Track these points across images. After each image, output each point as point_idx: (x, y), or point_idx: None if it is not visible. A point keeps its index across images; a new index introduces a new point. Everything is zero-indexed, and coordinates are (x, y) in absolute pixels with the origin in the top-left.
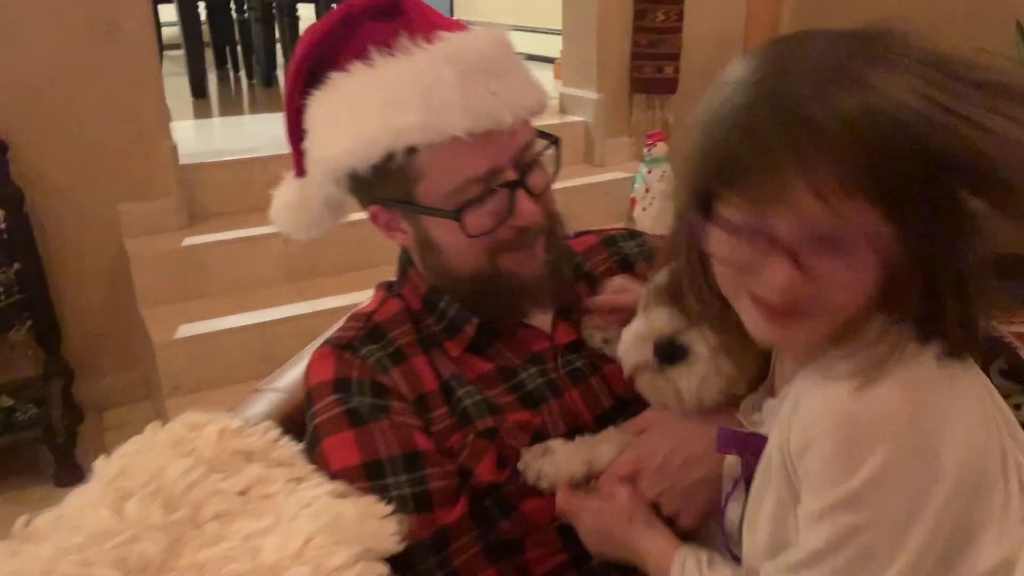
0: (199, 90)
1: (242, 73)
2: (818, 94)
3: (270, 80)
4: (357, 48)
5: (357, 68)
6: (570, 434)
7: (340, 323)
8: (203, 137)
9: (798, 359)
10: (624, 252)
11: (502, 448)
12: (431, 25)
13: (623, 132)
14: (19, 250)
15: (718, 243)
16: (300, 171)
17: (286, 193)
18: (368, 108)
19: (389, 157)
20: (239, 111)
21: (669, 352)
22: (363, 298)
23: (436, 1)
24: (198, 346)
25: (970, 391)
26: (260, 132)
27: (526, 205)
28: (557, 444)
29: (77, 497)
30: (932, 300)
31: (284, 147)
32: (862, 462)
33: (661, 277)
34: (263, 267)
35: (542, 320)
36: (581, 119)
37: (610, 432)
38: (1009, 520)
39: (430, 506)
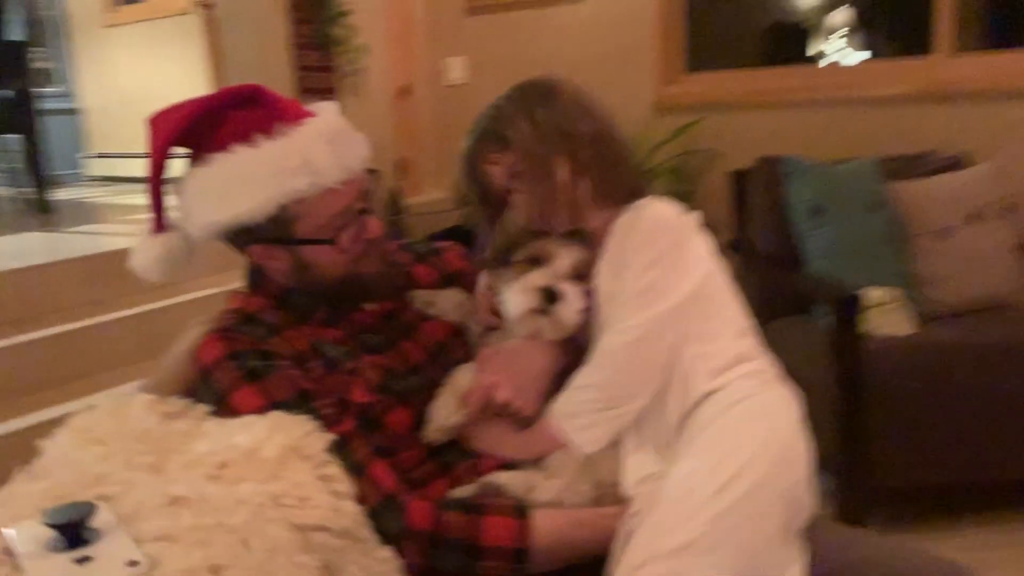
0: None
1: None
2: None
3: None
4: (233, 132)
5: (241, 149)
6: (411, 371)
7: (213, 319)
8: None
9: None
10: (417, 251)
11: (364, 379)
12: (291, 111)
13: None
14: None
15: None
16: (160, 229)
17: (152, 249)
18: (260, 178)
19: (280, 209)
20: None
21: (551, 296)
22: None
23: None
24: None
25: None
26: None
27: (373, 223)
28: (430, 408)
29: (55, 448)
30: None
31: None
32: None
33: (521, 254)
34: None
35: (368, 304)
36: None
37: (459, 368)
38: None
39: (326, 427)
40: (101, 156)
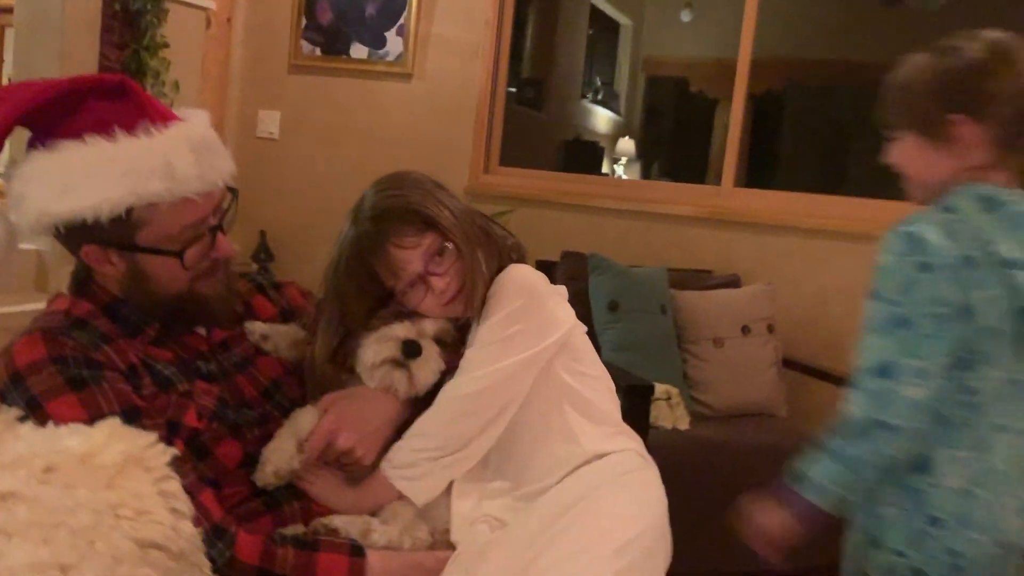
0: None
1: None
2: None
3: None
4: (89, 122)
5: (96, 141)
6: (243, 404)
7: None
8: None
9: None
10: (258, 281)
11: (198, 404)
12: (158, 111)
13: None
14: None
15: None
16: None
17: None
18: (112, 174)
19: (127, 211)
20: None
21: (412, 350)
22: None
23: None
24: None
25: None
26: None
27: (224, 242)
28: (266, 449)
29: None
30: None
31: None
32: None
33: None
34: None
35: (202, 328)
36: (34, 247)
37: (300, 411)
38: None
39: None
40: None
